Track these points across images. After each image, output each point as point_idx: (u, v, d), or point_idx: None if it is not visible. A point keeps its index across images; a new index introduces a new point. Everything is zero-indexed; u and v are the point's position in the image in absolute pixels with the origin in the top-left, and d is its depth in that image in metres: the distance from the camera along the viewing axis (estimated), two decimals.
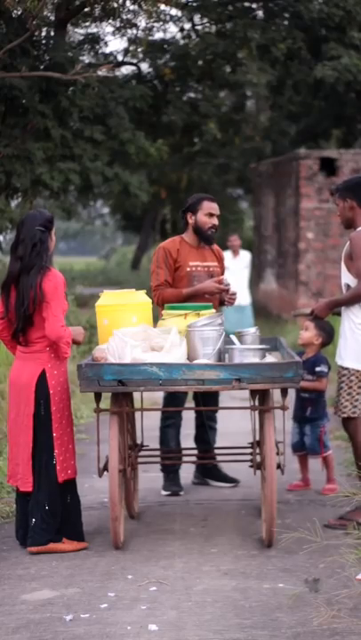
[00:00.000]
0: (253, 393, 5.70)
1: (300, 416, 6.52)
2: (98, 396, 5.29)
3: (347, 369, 5.63)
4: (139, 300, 5.60)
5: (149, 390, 5.24)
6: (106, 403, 5.56)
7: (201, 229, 6.36)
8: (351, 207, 5.72)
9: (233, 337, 5.62)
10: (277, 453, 5.43)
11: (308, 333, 6.47)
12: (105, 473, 5.40)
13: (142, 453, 6.17)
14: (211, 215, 6.36)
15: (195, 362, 5.24)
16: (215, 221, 6.38)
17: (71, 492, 5.36)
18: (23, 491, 5.31)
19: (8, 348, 5.53)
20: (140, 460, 6.16)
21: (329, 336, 6.51)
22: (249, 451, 6.01)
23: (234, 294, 6.29)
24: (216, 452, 6.64)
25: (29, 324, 5.26)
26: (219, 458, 6.57)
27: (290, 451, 6.54)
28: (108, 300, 5.59)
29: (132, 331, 5.35)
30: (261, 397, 5.47)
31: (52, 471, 5.23)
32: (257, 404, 5.65)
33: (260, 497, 5.59)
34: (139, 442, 6.15)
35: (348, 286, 5.68)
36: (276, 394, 5.43)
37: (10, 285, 5.32)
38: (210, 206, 6.36)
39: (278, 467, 5.41)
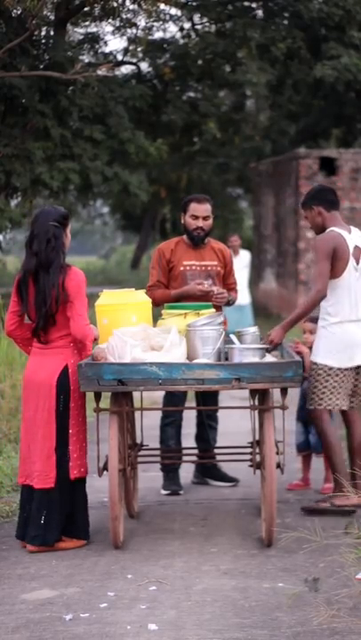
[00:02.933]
0: (253, 392, 5.69)
1: (306, 415, 6.53)
2: (97, 396, 5.29)
3: (315, 364, 5.91)
4: (138, 299, 5.59)
5: (149, 390, 5.24)
6: (105, 402, 5.56)
7: (187, 231, 6.38)
8: (319, 213, 5.95)
9: (233, 336, 5.63)
10: (277, 453, 5.43)
11: (314, 336, 6.50)
12: (105, 472, 5.40)
13: (142, 453, 6.17)
14: (195, 217, 6.29)
15: (194, 361, 5.24)
16: (200, 224, 6.29)
17: (81, 490, 5.35)
18: (42, 487, 5.22)
19: (20, 346, 5.49)
20: (139, 459, 6.16)
21: None
22: (249, 450, 6.01)
23: (220, 294, 6.25)
24: (216, 451, 6.64)
25: (51, 324, 5.25)
26: (218, 457, 6.57)
27: (290, 450, 6.54)
28: (108, 299, 5.57)
29: (131, 330, 5.34)
30: (261, 397, 5.47)
31: (65, 468, 5.23)
32: (257, 403, 5.66)
33: (260, 496, 5.59)
34: (138, 441, 6.15)
35: None
36: (275, 393, 5.43)
37: (27, 282, 5.29)
38: (195, 208, 6.32)
39: (278, 466, 5.41)
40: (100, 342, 5.45)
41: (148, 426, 6.35)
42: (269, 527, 5.22)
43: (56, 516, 5.22)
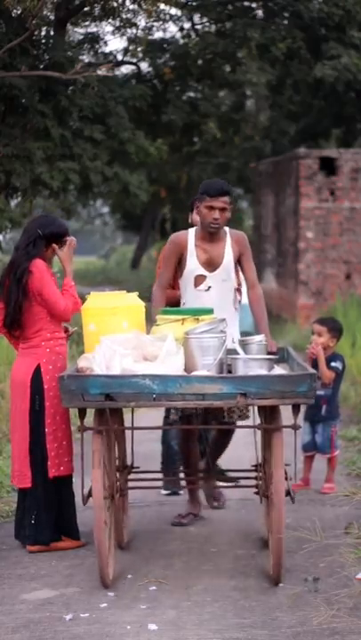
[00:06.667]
0: (260, 409, 4.98)
1: (314, 415, 6.54)
2: (82, 413, 4.70)
3: None
4: (130, 302, 5.04)
5: (141, 406, 4.61)
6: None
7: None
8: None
9: (236, 346, 5.16)
10: (286, 478, 4.83)
11: (323, 338, 6.51)
12: (90, 500, 4.74)
13: (132, 476, 5.60)
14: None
15: (193, 374, 4.62)
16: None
17: (66, 489, 5.35)
18: (21, 487, 5.30)
19: (11, 342, 5.55)
20: (130, 484, 5.52)
21: (341, 334, 6.67)
22: (253, 475, 5.44)
23: None
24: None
25: (17, 326, 5.29)
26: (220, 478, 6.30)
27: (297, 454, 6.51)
28: (96, 302, 5.02)
29: (122, 338, 4.79)
30: (270, 414, 4.80)
31: (44, 467, 5.24)
32: (264, 421, 4.98)
33: (266, 528, 5.21)
34: (129, 462, 5.58)
35: None
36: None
37: (4, 282, 5.36)
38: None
39: (288, 494, 4.80)
40: (86, 351, 4.94)
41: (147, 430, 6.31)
42: (278, 564, 4.64)
43: (44, 516, 5.23)
